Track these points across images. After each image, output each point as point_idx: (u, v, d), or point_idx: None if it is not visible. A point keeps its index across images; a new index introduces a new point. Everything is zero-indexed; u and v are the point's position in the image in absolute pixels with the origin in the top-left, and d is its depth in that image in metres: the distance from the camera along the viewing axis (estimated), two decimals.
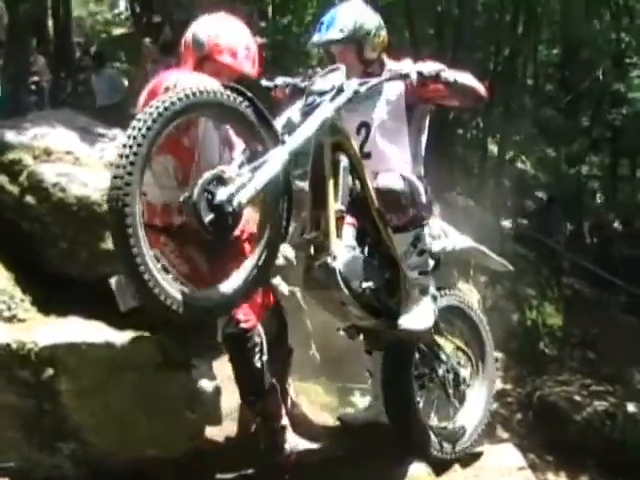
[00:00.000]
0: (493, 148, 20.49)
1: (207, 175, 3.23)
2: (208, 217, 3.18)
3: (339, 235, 4.00)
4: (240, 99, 3.43)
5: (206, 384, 3.59)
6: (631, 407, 10.36)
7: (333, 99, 3.86)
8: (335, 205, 3.96)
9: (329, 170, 3.98)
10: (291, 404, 4.49)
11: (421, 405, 4.65)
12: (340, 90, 3.89)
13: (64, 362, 3.36)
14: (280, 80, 4.42)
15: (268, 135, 3.53)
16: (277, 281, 5.26)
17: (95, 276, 4.78)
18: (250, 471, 4.29)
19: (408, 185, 4.18)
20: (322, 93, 3.90)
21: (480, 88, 4.36)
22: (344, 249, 4.02)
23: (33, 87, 12.98)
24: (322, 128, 3.79)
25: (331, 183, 3.95)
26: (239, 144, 3.87)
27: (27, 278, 4.63)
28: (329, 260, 3.91)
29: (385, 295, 4.30)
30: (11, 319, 4.19)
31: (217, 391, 3.67)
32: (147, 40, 9.37)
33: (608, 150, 22.31)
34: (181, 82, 3.76)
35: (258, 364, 3.89)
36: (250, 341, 3.90)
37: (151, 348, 3.50)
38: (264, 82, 4.41)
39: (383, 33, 4.44)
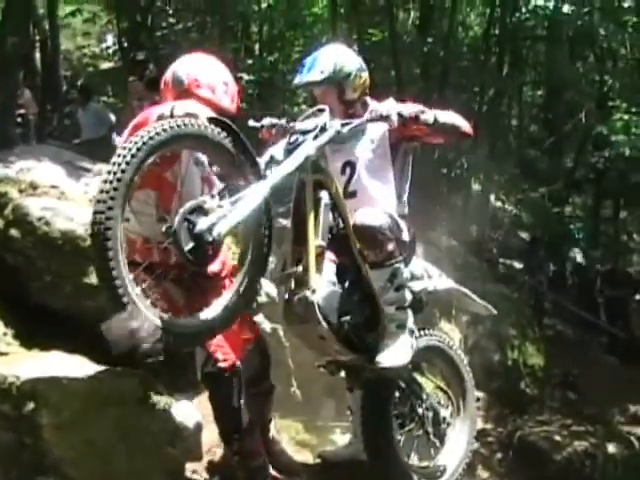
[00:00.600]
0: (477, 187, 20.61)
1: (188, 205, 3.30)
2: (188, 245, 3.25)
3: (319, 270, 4.07)
4: (224, 133, 3.50)
5: (187, 420, 3.59)
6: (611, 448, 10.34)
7: (316, 138, 3.95)
8: (315, 241, 4.02)
9: (310, 207, 4.04)
10: (272, 441, 4.50)
11: (401, 444, 4.67)
12: (323, 129, 3.98)
13: (45, 396, 3.36)
14: (267, 121, 4.49)
15: (251, 170, 3.61)
16: (259, 319, 5.28)
17: (79, 310, 4.80)
18: None
19: (388, 221, 4.23)
20: (305, 132, 4.00)
21: (464, 125, 4.46)
22: (324, 284, 4.09)
23: (19, 119, 13.00)
24: (304, 165, 3.88)
25: (311, 219, 4.02)
26: (218, 184, 3.94)
27: (10, 311, 4.64)
28: (308, 294, 3.97)
29: (364, 330, 4.35)
30: None
31: (198, 427, 3.68)
32: (132, 78, 9.40)
33: (591, 192, 22.42)
34: (177, 108, 3.81)
35: (236, 403, 3.90)
36: (228, 380, 3.92)
37: (133, 383, 3.50)
38: (251, 122, 4.47)
39: (364, 75, 4.52)
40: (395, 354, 4.34)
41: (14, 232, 5.33)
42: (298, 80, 4.48)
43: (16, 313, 4.70)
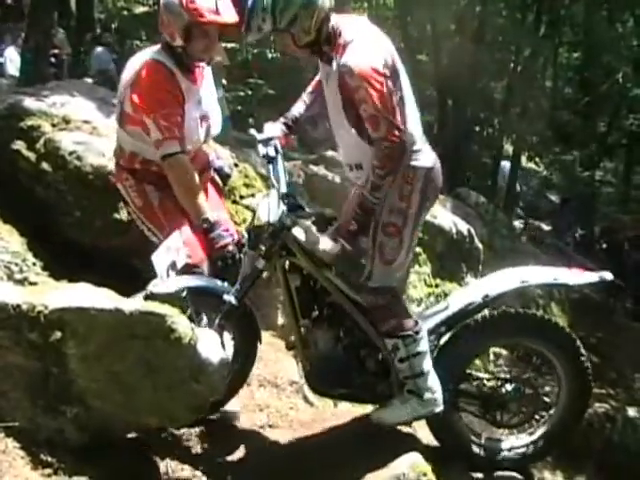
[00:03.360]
0: (508, 148, 20.45)
1: None
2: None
3: (306, 347, 4.43)
4: None
5: (212, 356, 3.58)
6: (631, 412, 10.30)
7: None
8: (300, 321, 4.41)
9: (285, 293, 4.42)
10: None
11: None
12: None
13: (72, 326, 3.36)
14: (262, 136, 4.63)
15: None
16: None
17: (107, 246, 4.80)
18: None
19: (392, 301, 4.37)
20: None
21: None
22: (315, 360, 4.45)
23: (53, 60, 13.01)
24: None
25: (289, 304, 4.42)
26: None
27: (40, 243, 4.65)
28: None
29: (374, 381, 4.55)
30: (22, 281, 4.21)
31: (223, 363, 3.66)
32: None
33: (623, 157, 22.22)
34: None
35: None
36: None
37: (159, 319, 3.49)
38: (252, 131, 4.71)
39: (313, 9, 4.09)
40: (394, 414, 4.49)
41: (45, 166, 5.33)
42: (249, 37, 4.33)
43: (46, 246, 4.71)
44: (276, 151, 4.50)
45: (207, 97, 4.69)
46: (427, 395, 4.37)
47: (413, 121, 4.29)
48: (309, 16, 4.07)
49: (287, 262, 4.34)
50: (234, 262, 4.38)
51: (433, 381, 4.38)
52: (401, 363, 4.34)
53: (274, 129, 4.64)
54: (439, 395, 4.39)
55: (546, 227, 18.50)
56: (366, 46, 4.09)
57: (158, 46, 4.52)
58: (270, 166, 4.46)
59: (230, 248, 4.38)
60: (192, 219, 4.42)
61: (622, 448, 9.71)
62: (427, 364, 4.36)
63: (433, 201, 4.50)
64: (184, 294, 4.06)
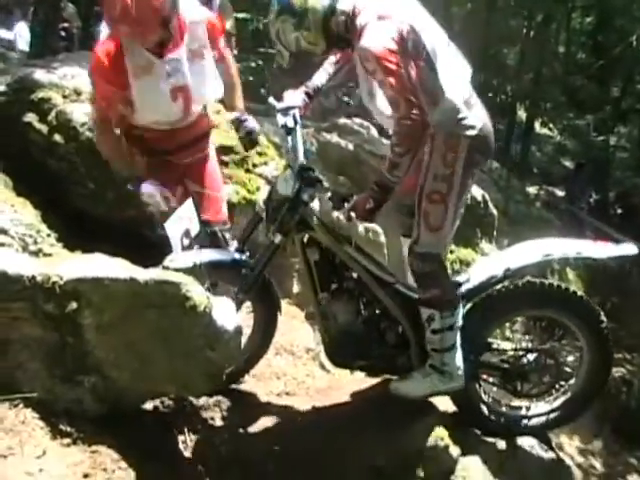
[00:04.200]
0: (522, 114, 20.35)
1: None
2: None
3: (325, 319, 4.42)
4: None
5: (228, 324, 3.58)
6: None
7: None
8: (319, 294, 4.38)
9: (304, 268, 4.38)
10: None
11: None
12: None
13: (88, 296, 3.37)
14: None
15: None
16: None
17: (120, 217, 4.80)
18: None
19: (439, 269, 4.30)
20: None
21: None
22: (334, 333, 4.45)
23: (63, 33, 12.96)
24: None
25: (309, 278, 4.38)
26: None
27: (53, 215, 4.65)
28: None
29: (394, 353, 4.54)
30: (37, 253, 4.21)
31: (238, 331, 3.67)
32: None
33: (637, 121, 22.08)
34: None
35: None
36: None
37: (174, 288, 3.49)
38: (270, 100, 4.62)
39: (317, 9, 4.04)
40: (413, 387, 4.47)
41: (58, 138, 5.32)
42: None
43: (59, 217, 4.71)
44: (295, 121, 4.41)
45: (183, 67, 4.52)
46: (450, 370, 4.36)
47: (454, 86, 4.12)
48: (309, 30, 4.06)
49: (306, 236, 4.32)
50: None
51: (458, 357, 4.36)
52: (434, 334, 4.32)
53: (294, 98, 4.55)
54: (461, 372, 4.38)
55: (560, 193, 18.40)
56: (378, 25, 3.96)
57: None
58: (288, 137, 4.38)
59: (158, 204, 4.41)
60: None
61: (638, 413, 9.75)
62: (456, 338, 4.33)
63: (483, 165, 4.43)
64: (201, 268, 4.06)
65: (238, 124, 4.74)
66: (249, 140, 4.79)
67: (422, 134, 3.98)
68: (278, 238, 4.21)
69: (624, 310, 12.28)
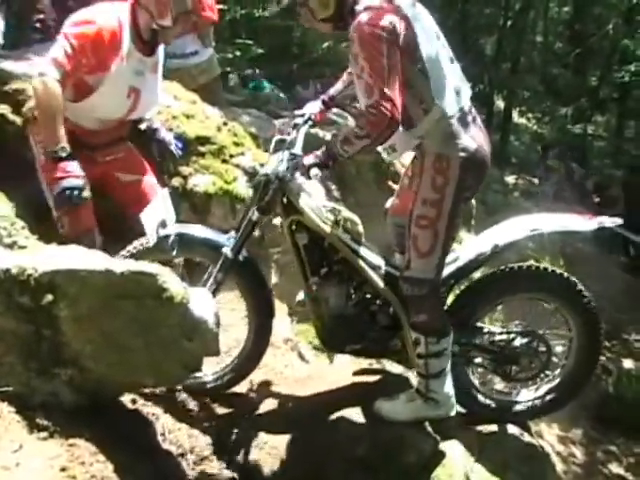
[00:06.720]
0: (500, 104, 20.41)
1: None
2: None
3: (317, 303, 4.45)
4: None
5: (205, 314, 3.56)
6: (627, 363, 10.40)
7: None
8: (310, 279, 4.40)
9: (294, 251, 4.39)
10: None
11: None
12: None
13: (63, 288, 3.33)
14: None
15: None
16: None
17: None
18: None
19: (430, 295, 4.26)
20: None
21: None
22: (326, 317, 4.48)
23: (38, 25, 12.85)
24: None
25: (299, 263, 4.41)
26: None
27: (29, 207, 4.61)
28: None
29: (386, 336, 4.58)
30: (12, 245, 4.17)
31: (216, 321, 3.65)
32: None
33: (615, 111, 22.20)
34: None
35: None
36: None
37: (150, 279, 3.46)
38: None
39: None
40: (395, 410, 4.46)
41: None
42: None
43: (35, 210, 4.67)
44: (304, 122, 4.65)
45: (150, 77, 4.83)
46: (436, 398, 4.37)
47: (446, 99, 4.00)
48: None
49: (293, 221, 4.31)
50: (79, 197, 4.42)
51: (447, 385, 4.36)
52: (419, 359, 4.33)
53: (312, 107, 4.83)
54: (451, 400, 4.40)
55: (538, 182, 18.49)
56: (375, 12, 3.84)
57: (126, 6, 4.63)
58: (294, 130, 4.53)
59: (74, 182, 4.38)
60: (45, 145, 4.49)
61: (618, 400, 9.80)
62: (445, 365, 4.32)
63: (475, 190, 4.26)
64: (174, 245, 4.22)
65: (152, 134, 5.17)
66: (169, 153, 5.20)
67: (387, 130, 3.81)
68: (255, 215, 4.24)
69: (602, 298, 12.33)
